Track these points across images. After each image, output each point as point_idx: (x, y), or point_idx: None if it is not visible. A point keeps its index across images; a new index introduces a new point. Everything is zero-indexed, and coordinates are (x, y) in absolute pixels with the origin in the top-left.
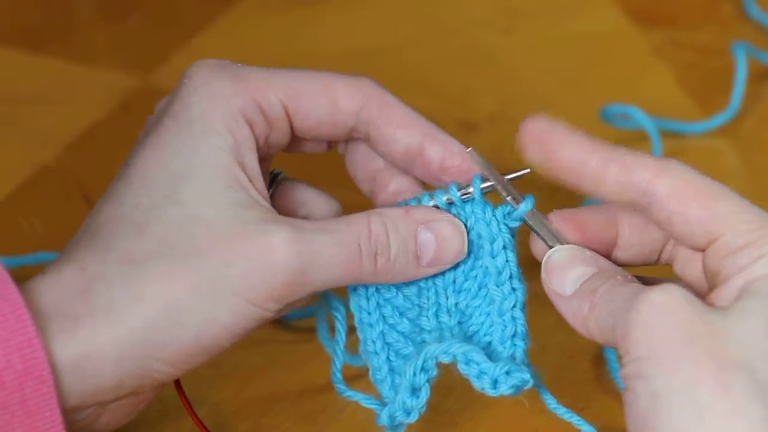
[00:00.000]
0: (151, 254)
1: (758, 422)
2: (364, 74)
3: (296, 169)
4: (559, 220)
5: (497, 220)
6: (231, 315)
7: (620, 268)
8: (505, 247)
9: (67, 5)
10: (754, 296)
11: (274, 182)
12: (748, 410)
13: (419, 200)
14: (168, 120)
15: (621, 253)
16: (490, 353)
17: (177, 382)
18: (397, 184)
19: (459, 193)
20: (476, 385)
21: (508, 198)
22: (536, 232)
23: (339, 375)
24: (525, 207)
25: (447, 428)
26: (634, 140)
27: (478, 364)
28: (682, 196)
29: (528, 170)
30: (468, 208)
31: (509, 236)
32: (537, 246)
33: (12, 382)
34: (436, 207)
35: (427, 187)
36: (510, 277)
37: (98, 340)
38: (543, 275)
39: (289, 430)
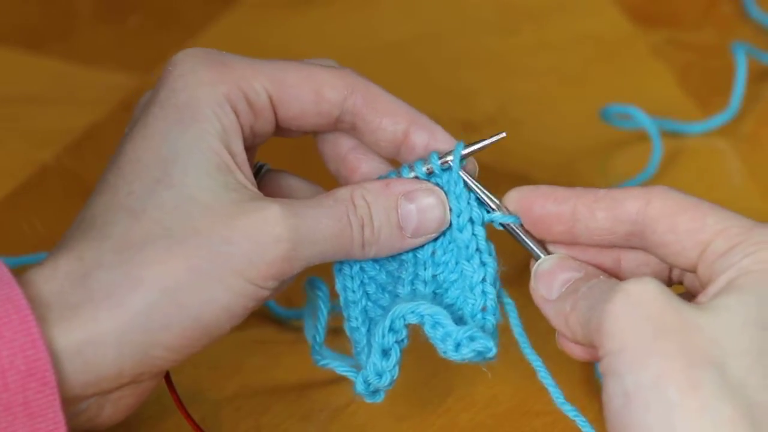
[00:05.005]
0: (149, 238)
1: (726, 421)
2: (365, 74)
3: (277, 157)
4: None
5: (467, 194)
6: (230, 294)
7: (606, 274)
8: (471, 221)
9: (67, 5)
10: (732, 292)
11: (258, 174)
12: (718, 409)
13: (399, 173)
14: (155, 107)
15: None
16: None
17: (168, 378)
18: (369, 167)
19: (439, 162)
20: (440, 347)
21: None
22: (524, 244)
23: (318, 347)
24: (504, 216)
25: (447, 428)
26: (634, 140)
27: (443, 327)
28: (672, 214)
29: (503, 134)
30: (446, 177)
31: (477, 211)
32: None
33: (15, 384)
34: (417, 178)
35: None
36: (478, 250)
37: (99, 326)
38: (532, 283)
39: (289, 430)
